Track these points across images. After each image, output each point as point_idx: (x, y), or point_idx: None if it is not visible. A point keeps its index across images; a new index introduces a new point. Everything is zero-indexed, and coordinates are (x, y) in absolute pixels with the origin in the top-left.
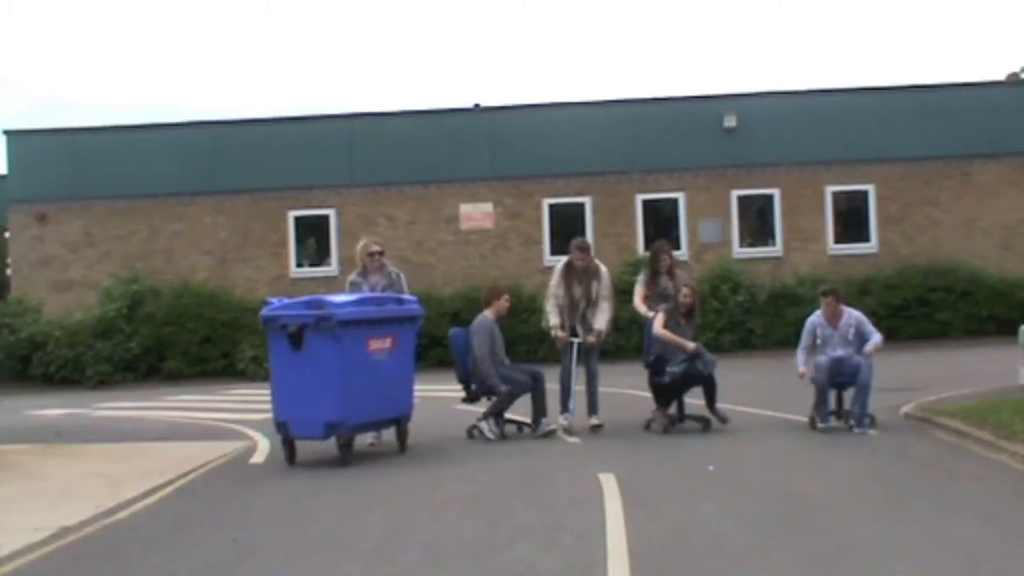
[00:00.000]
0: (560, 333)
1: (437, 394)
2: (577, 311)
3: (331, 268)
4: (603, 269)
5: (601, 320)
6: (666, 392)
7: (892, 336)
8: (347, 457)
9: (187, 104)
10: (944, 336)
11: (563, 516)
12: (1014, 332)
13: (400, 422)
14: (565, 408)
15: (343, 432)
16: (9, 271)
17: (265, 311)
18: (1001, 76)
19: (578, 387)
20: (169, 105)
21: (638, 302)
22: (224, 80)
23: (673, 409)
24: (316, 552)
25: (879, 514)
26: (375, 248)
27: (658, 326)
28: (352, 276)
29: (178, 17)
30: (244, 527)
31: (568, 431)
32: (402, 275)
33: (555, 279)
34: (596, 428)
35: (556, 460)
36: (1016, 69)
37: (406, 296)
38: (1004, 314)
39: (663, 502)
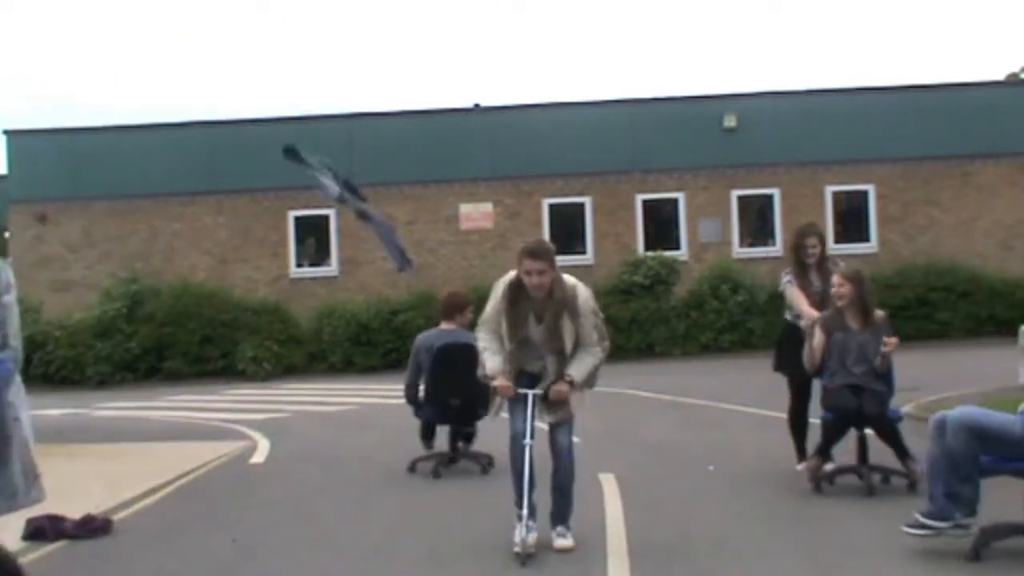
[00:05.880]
0: (501, 382)
1: None
2: (534, 353)
3: (331, 268)
4: (581, 294)
5: (581, 366)
6: (824, 433)
7: None
8: None
9: (187, 104)
10: (944, 336)
11: None
12: (1014, 332)
13: None
14: (527, 511)
15: None
16: None
17: None
18: (1001, 76)
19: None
20: (169, 105)
21: (803, 306)
22: (223, 80)
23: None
24: (316, 552)
25: (879, 514)
26: None
27: (810, 350)
28: None
29: (178, 17)
30: (244, 527)
31: (524, 554)
32: (7, 271)
33: (492, 302)
34: (564, 550)
35: None
36: (1016, 69)
37: None
38: (1004, 314)
39: (663, 502)
